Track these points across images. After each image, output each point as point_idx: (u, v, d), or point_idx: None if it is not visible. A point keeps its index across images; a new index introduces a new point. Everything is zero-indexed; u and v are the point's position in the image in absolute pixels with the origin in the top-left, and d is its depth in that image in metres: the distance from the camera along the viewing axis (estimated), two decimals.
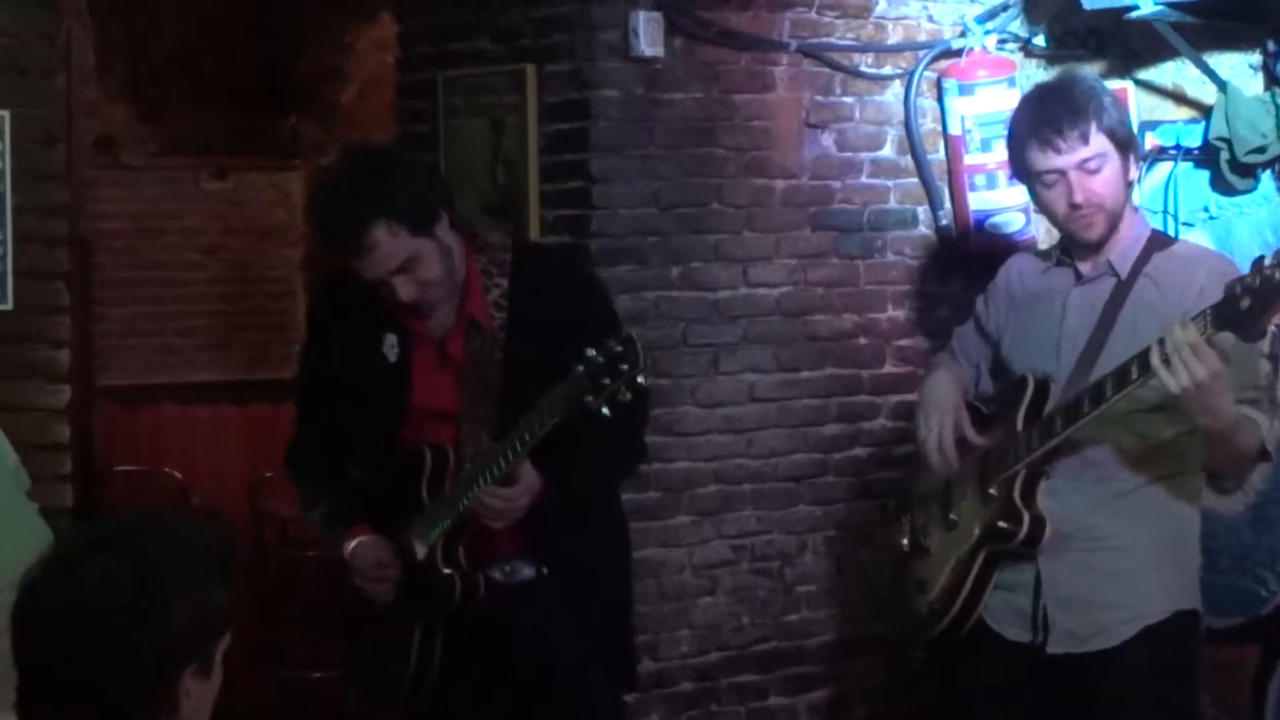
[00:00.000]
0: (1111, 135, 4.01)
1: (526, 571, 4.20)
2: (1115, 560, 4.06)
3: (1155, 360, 3.69)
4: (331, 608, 4.57)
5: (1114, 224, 4.05)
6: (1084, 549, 4.06)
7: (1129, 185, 4.08)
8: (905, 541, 4.37)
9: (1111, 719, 4.07)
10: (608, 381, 3.82)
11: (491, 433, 4.10)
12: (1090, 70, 6.18)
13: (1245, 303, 3.57)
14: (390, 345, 4.18)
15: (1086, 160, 4.00)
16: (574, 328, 3.98)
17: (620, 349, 3.83)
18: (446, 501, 4.12)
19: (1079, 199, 4.01)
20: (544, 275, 4.24)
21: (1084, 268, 4.11)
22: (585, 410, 3.84)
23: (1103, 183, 4.01)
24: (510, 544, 4.17)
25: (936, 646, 4.35)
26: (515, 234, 4.67)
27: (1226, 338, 3.66)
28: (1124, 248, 4.07)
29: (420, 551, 4.16)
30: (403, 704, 4.32)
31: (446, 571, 4.13)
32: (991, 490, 4.09)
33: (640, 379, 3.84)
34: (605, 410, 3.84)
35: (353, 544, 4.23)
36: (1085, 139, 4.00)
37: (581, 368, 3.82)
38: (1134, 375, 3.77)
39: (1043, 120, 4.04)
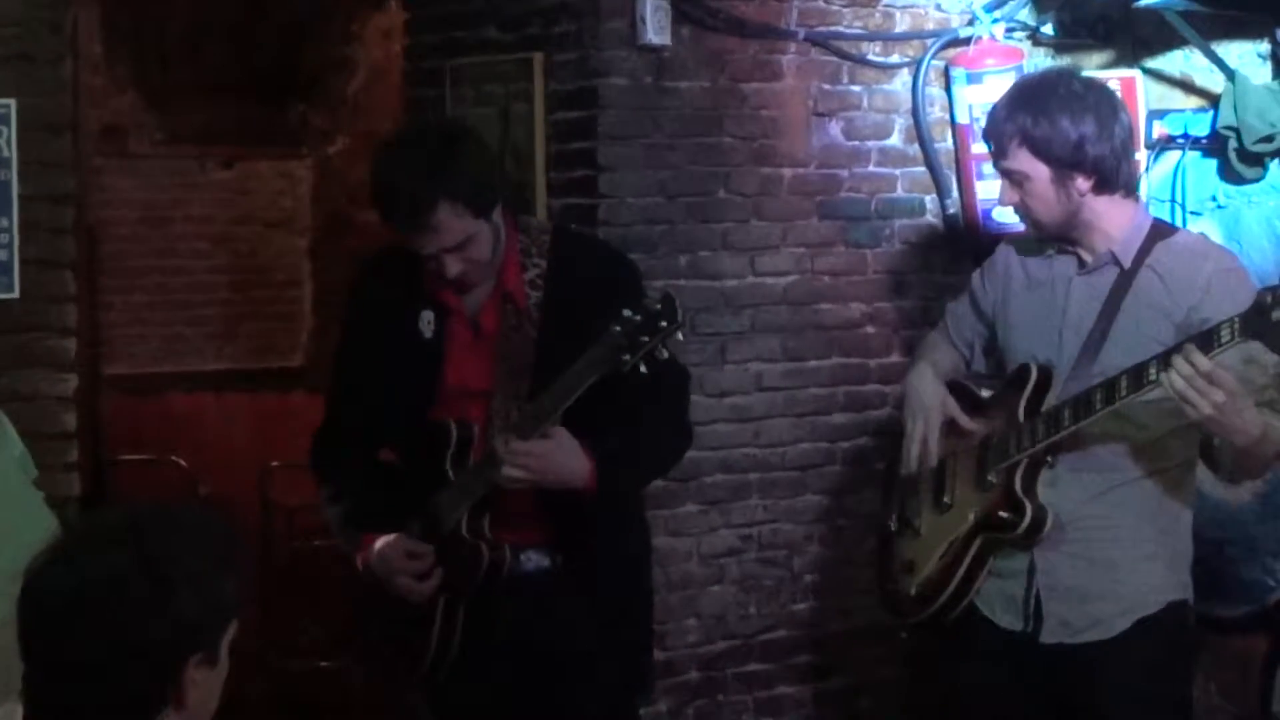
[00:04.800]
0: (1034, 150, 3.99)
1: (540, 561, 4.18)
2: (1111, 551, 4.04)
3: (1164, 383, 3.69)
4: (340, 597, 4.55)
5: (1058, 226, 4.04)
6: (1080, 539, 4.04)
7: (1078, 195, 4.00)
8: (893, 519, 4.35)
9: (1108, 710, 4.04)
10: (645, 339, 3.82)
11: (521, 408, 4.08)
12: (1098, 59, 6.18)
13: (1277, 314, 3.55)
14: (426, 322, 4.18)
15: (1008, 171, 4.04)
16: (606, 306, 3.95)
17: (659, 307, 3.84)
18: (472, 475, 4.10)
19: (1002, 201, 4.12)
20: (580, 257, 4.25)
21: (1086, 256, 4.08)
22: (622, 368, 3.84)
23: (1026, 194, 4.03)
24: (529, 532, 4.16)
25: (926, 630, 4.33)
26: (556, 220, 4.69)
27: (1253, 346, 3.65)
28: (1126, 237, 4.04)
29: (446, 525, 4.13)
30: (421, 683, 4.28)
31: (473, 542, 4.11)
32: (990, 478, 4.07)
33: (679, 335, 3.86)
34: (643, 369, 3.84)
35: (376, 546, 4.17)
36: (1004, 154, 4.03)
37: (618, 327, 3.83)
38: (1151, 376, 3.74)
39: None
